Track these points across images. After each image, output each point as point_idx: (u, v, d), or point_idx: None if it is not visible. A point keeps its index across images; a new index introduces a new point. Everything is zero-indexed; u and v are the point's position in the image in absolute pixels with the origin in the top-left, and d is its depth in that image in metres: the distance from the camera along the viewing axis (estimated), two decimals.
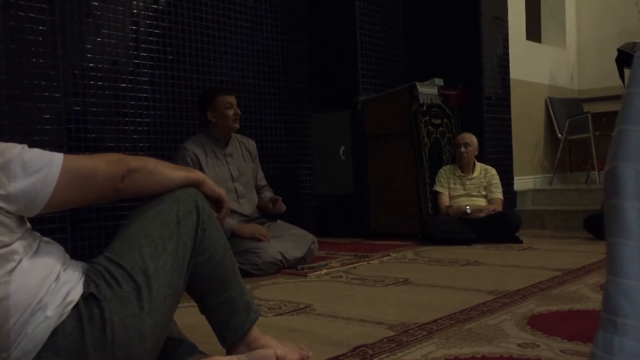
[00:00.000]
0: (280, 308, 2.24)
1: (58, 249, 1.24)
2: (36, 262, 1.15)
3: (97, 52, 3.44)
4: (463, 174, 4.20)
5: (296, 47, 4.72)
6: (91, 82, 3.40)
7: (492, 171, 4.23)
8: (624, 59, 4.90)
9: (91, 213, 3.32)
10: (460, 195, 4.16)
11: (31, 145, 1.20)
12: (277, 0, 4.57)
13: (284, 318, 2.09)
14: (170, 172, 1.35)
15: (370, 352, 1.62)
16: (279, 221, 3.38)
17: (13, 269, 1.11)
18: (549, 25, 6.50)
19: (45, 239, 1.24)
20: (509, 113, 4.88)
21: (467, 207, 4.02)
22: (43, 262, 1.16)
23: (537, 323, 1.87)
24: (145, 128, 3.66)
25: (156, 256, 1.26)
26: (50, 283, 1.15)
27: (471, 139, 4.19)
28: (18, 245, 1.13)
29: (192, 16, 3.95)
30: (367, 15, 4.66)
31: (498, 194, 4.16)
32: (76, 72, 3.34)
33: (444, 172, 4.24)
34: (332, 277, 2.89)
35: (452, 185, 4.20)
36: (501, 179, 4.25)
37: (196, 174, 1.42)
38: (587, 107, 5.96)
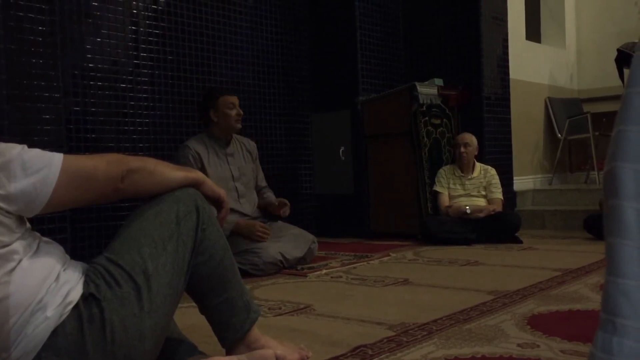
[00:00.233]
0: (280, 308, 2.24)
1: (58, 249, 1.24)
2: (36, 262, 1.15)
3: (97, 52, 3.44)
4: (463, 174, 4.20)
5: (296, 47, 4.72)
6: (91, 83, 3.40)
7: (492, 171, 4.23)
8: (623, 59, 4.90)
9: (91, 213, 3.32)
10: (460, 196, 4.17)
11: (31, 146, 1.20)
12: (277, 0, 4.57)
13: (283, 318, 2.09)
14: (170, 172, 1.35)
15: (370, 352, 1.62)
16: (279, 221, 3.38)
17: (13, 269, 1.11)
18: (549, 26, 6.50)
19: (45, 239, 1.24)
20: (509, 113, 4.88)
21: (467, 207, 4.02)
22: (43, 262, 1.16)
23: (537, 323, 1.87)
24: (145, 128, 3.66)
25: (156, 256, 1.26)
26: (50, 283, 1.15)
27: (471, 139, 4.20)
28: (18, 245, 1.13)
29: (192, 16, 3.95)
30: (367, 15, 4.66)
31: (498, 194, 4.16)
32: (76, 72, 3.34)
33: (444, 172, 4.25)
34: (332, 277, 2.89)
35: (451, 186, 4.20)
36: (501, 179, 4.25)
37: (196, 174, 1.42)
38: (586, 107, 5.97)
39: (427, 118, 4.31)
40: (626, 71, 4.96)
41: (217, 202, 1.45)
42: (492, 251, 3.59)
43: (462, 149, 4.15)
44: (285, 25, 4.64)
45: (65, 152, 1.23)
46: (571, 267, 2.89)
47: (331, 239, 4.43)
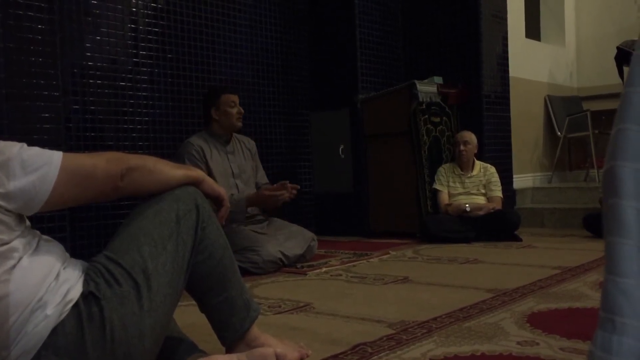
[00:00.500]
0: (279, 306, 2.24)
1: (58, 247, 1.24)
2: (36, 260, 1.15)
3: (96, 51, 3.44)
4: (462, 172, 4.20)
5: (295, 45, 4.72)
6: (90, 81, 3.40)
7: (492, 169, 4.23)
8: (623, 57, 4.90)
9: (90, 212, 3.32)
10: (460, 194, 4.17)
11: (30, 144, 1.20)
12: None
13: (283, 316, 2.09)
14: (170, 171, 1.35)
15: (369, 350, 1.63)
16: (278, 219, 3.39)
17: (13, 267, 1.11)
18: (548, 24, 6.50)
19: (45, 237, 1.24)
20: (509, 111, 4.88)
21: (467, 206, 4.02)
22: (43, 261, 1.16)
23: (537, 321, 1.87)
24: (145, 127, 3.66)
25: (156, 255, 1.26)
26: (50, 281, 1.15)
27: (470, 137, 4.20)
28: (17, 243, 1.13)
29: (192, 15, 3.95)
30: (366, 13, 4.66)
31: (497, 192, 4.16)
32: (75, 70, 3.34)
33: (444, 170, 4.25)
34: (331, 275, 2.89)
35: (451, 184, 4.20)
36: (500, 177, 4.25)
37: (196, 173, 1.42)
38: (586, 105, 5.97)
39: (426, 116, 4.31)
40: (626, 69, 4.96)
41: (217, 201, 1.45)
42: (491, 249, 3.59)
43: (462, 147, 4.15)
44: (284, 24, 4.64)
45: (64, 151, 1.23)
46: (570, 265, 2.89)
47: (331, 237, 4.43)
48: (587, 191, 4.99)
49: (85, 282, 1.19)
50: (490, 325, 1.84)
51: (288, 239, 3.19)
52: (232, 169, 3.25)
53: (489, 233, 3.92)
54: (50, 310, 1.12)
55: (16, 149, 1.16)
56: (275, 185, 3.23)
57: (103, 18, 3.47)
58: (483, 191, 4.17)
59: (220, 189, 1.45)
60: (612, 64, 5.18)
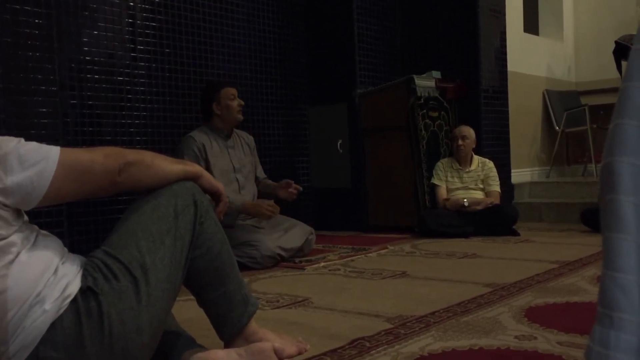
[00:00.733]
0: (278, 301, 2.24)
1: (56, 242, 1.24)
2: (34, 255, 1.15)
3: (94, 45, 3.43)
4: (460, 167, 4.20)
5: (293, 40, 4.71)
6: (88, 76, 3.39)
7: (490, 164, 4.23)
8: (621, 51, 4.90)
9: (88, 207, 3.31)
10: (458, 189, 4.17)
11: (28, 139, 1.20)
12: None
13: (281, 311, 2.09)
14: (168, 166, 1.35)
15: (368, 344, 1.63)
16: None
17: (11, 262, 1.11)
18: (547, 18, 6.49)
19: (43, 232, 1.24)
20: (507, 106, 4.88)
21: (465, 200, 4.03)
22: (41, 256, 1.16)
23: (534, 315, 1.88)
24: (143, 122, 3.65)
25: (154, 250, 1.26)
26: (49, 276, 1.15)
27: (469, 132, 4.20)
28: (15, 238, 1.13)
29: (189, 9, 3.94)
30: (364, 8, 4.65)
31: (495, 186, 4.16)
32: (72, 65, 3.33)
33: (442, 165, 4.25)
34: (329, 270, 2.90)
35: (449, 179, 4.21)
36: (498, 172, 4.25)
37: (194, 168, 1.41)
38: (584, 100, 5.97)
39: (424, 111, 4.31)
40: (624, 63, 4.96)
41: (215, 196, 1.45)
42: (489, 244, 3.60)
43: (460, 142, 4.15)
44: (282, 18, 4.62)
45: (61, 146, 1.23)
46: (568, 259, 2.90)
47: (329, 232, 4.43)
48: (585, 186, 5.00)
49: (84, 277, 1.19)
50: (488, 320, 1.85)
51: (286, 232, 3.20)
52: (232, 163, 3.25)
53: (487, 228, 3.93)
54: (48, 305, 1.12)
55: (13, 144, 1.16)
56: (280, 183, 3.26)
57: (100, 12, 3.45)
58: (481, 186, 4.18)
59: (218, 184, 1.44)
60: (611, 59, 5.18)
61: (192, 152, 3.10)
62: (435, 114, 4.41)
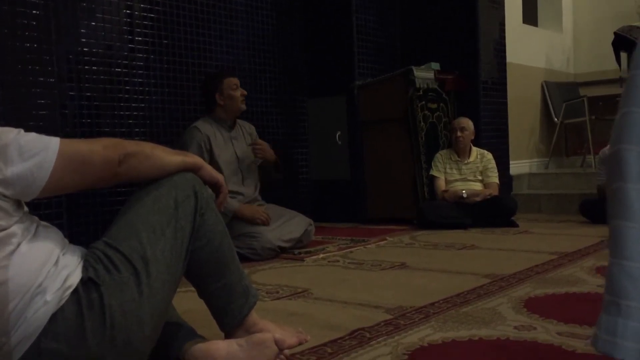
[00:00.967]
0: (277, 292, 2.25)
1: (57, 233, 1.24)
2: (35, 246, 1.15)
3: (92, 36, 3.41)
4: (459, 159, 4.20)
5: (292, 32, 4.69)
6: (86, 67, 3.38)
7: (489, 155, 4.23)
8: (620, 42, 4.89)
9: (87, 198, 3.31)
10: (457, 180, 4.17)
11: (26, 131, 1.19)
12: None
13: (281, 302, 2.10)
14: (168, 157, 1.35)
15: (368, 335, 1.63)
16: (276, 206, 3.39)
17: (12, 253, 1.11)
18: (546, 9, 6.47)
19: (43, 223, 1.24)
20: (505, 97, 4.88)
21: (463, 192, 4.03)
22: (42, 246, 1.16)
23: (534, 306, 1.88)
24: (141, 113, 3.64)
25: (155, 242, 1.26)
26: (50, 267, 1.14)
27: (467, 123, 4.19)
28: (16, 229, 1.13)
29: (187, 0, 3.92)
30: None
31: (494, 178, 4.16)
32: (70, 57, 3.31)
33: (440, 156, 4.25)
34: (329, 261, 2.90)
35: (448, 170, 4.21)
36: (497, 164, 4.26)
37: (194, 159, 1.41)
38: (583, 91, 5.96)
39: (423, 102, 4.30)
40: (623, 55, 4.96)
41: (215, 187, 1.44)
42: (488, 235, 3.60)
43: (459, 134, 4.15)
44: (281, 10, 4.60)
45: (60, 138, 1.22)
46: (567, 250, 2.91)
47: (328, 224, 4.44)
48: (583, 177, 5.01)
49: (85, 269, 1.19)
50: (487, 311, 1.85)
51: (285, 224, 3.21)
52: (237, 154, 3.25)
53: (486, 219, 3.93)
54: (49, 296, 1.12)
55: (13, 135, 1.15)
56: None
57: (98, 4, 3.44)
58: (480, 177, 4.18)
59: (219, 175, 1.44)
60: (610, 50, 5.17)
61: (197, 144, 3.10)
62: (434, 106, 4.40)
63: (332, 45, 4.66)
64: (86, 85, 3.38)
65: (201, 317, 1.61)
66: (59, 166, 1.16)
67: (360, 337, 1.62)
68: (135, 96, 3.62)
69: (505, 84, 4.87)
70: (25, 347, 1.10)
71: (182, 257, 1.32)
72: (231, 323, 1.45)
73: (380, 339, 1.60)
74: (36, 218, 1.22)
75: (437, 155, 4.26)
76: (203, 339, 1.43)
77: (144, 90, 3.66)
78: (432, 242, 3.39)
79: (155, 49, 3.73)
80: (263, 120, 4.44)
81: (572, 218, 4.24)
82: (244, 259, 2.86)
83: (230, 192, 3.03)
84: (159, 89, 3.75)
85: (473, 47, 4.56)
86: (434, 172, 4.21)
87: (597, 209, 3.93)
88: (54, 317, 1.12)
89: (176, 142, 3.27)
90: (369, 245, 3.34)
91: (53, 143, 1.18)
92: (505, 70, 4.86)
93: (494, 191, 4.09)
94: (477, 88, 4.57)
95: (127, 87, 3.58)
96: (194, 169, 1.39)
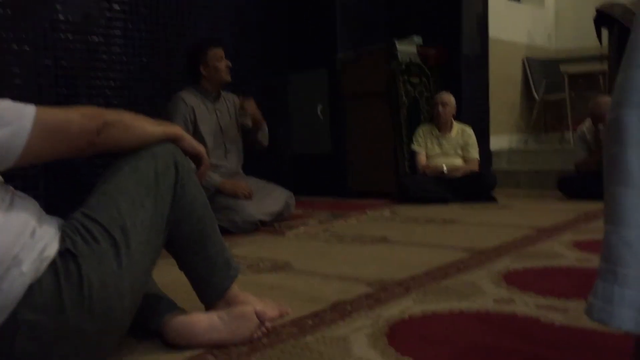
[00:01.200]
0: (258, 265, 2.24)
1: (32, 203, 1.21)
2: (10, 217, 1.12)
3: (68, 4, 3.32)
4: (440, 134, 4.21)
5: (274, 3, 4.61)
6: (61, 36, 3.29)
7: (469, 131, 4.25)
8: (602, 19, 4.89)
9: (64, 168, 3.25)
10: (437, 155, 4.18)
11: None
12: None
13: (262, 276, 2.09)
14: (148, 127, 1.32)
15: (349, 308, 1.64)
16: (256, 179, 3.37)
17: None
18: None
19: (19, 193, 1.20)
20: (487, 72, 4.88)
21: (444, 167, 4.05)
22: (17, 217, 1.13)
23: (513, 279, 1.90)
24: (119, 84, 3.58)
25: (134, 212, 1.23)
26: (26, 239, 1.12)
27: (449, 98, 4.19)
28: None
29: None
30: None
31: (474, 153, 4.19)
32: (46, 25, 3.22)
33: (422, 131, 4.25)
34: (309, 235, 2.90)
35: (429, 145, 4.21)
36: (478, 139, 4.27)
37: (174, 130, 1.38)
38: (563, 68, 5.99)
39: (406, 77, 4.28)
40: (604, 32, 4.97)
41: (196, 158, 1.42)
42: (468, 210, 3.63)
43: (440, 108, 4.15)
44: None
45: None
46: (545, 225, 2.94)
47: (309, 198, 4.43)
48: (561, 153, 5.06)
49: (62, 240, 1.16)
50: (467, 284, 1.86)
51: (265, 197, 3.20)
52: (220, 126, 3.21)
53: (466, 194, 3.96)
54: (25, 268, 1.09)
55: None
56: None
57: None
58: (460, 153, 4.20)
59: (200, 147, 1.42)
60: (591, 27, 5.17)
61: (181, 115, 3.05)
62: (417, 80, 4.39)
63: (314, 17, 4.60)
64: (62, 54, 3.30)
65: (182, 290, 1.60)
66: (34, 135, 1.12)
67: (342, 310, 1.62)
68: (113, 66, 3.54)
69: (487, 59, 4.87)
70: (2, 318, 1.08)
71: (162, 229, 1.30)
72: (212, 295, 1.44)
73: (361, 311, 1.60)
74: (11, 188, 1.19)
75: (419, 129, 4.27)
76: (183, 311, 1.42)
77: (122, 60, 3.59)
78: (413, 217, 3.40)
79: (134, 18, 3.64)
80: (244, 92, 4.38)
81: (550, 193, 4.29)
82: (224, 231, 2.81)
83: (213, 164, 3.00)
84: (137, 59, 3.67)
85: (456, 21, 4.54)
86: (415, 147, 4.22)
87: (574, 185, 3.98)
88: (31, 289, 1.10)
89: (157, 112, 3.21)
90: (350, 220, 3.34)
91: (29, 111, 1.14)
92: (487, 46, 4.85)
93: (474, 167, 4.12)
94: (459, 63, 4.56)
95: (105, 57, 3.50)
96: (175, 140, 1.37)
